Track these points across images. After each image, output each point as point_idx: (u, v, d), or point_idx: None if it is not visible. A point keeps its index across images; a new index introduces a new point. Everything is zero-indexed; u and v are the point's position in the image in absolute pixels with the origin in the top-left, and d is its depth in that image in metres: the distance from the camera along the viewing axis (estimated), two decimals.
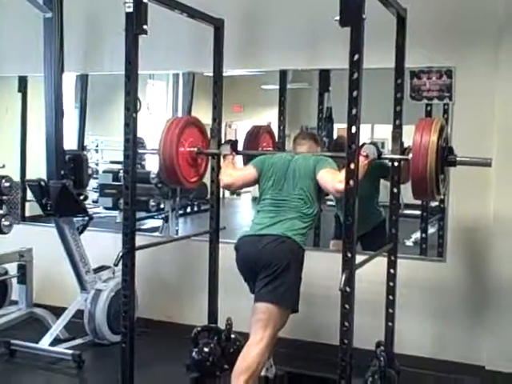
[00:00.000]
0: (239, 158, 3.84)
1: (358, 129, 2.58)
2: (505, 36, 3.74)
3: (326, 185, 3.22)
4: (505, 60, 3.74)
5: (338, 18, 2.55)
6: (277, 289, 3.06)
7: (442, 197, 3.39)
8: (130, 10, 2.98)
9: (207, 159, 3.85)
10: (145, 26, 2.98)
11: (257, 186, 3.50)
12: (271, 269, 3.08)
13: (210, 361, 3.73)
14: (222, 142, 3.79)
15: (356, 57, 2.55)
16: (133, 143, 3.05)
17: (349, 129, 2.60)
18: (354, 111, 2.58)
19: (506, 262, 3.79)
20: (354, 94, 2.57)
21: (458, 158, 3.15)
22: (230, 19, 3.86)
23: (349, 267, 2.60)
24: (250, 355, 3.03)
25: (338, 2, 2.49)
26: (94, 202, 6.11)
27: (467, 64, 3.88)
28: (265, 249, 3.12)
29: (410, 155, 3.09)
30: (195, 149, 3.69)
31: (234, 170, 3.56)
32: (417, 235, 5.04)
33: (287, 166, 3.38)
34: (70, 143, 4.39)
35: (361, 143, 2.72)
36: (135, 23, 2.97)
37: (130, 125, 3.03)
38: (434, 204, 4.40)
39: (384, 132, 5.88)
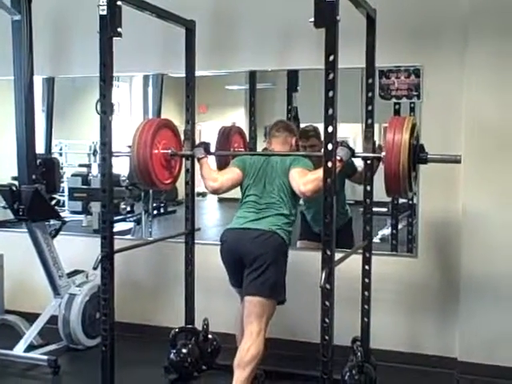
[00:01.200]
0: (211, 159, 3.87)
1: (334, 128, 2.63)
2: (470, 36, 3.82)
3: (292, 183, 3.40)
4: (471, 58, 3.82)
5: (312, 19, 2.60)
6: (266, 282, 3.25)
7: (413, 194, 3.47)
8: (104, 12, 2.97)
9: (181, 161, 3.87)
10: (119, 29, 2.98)
11: None
12: (259, 263, 3.24)
13: (188, 362, 3.77)
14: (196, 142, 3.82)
15: (331, 57, 2.60)
16: (109, 146, 3.04)
17: (325, 129, 2.65)
18: (330, 111, 2.63)
19: (475, 256, 3.88)
20: (330, 94, 2.62)
21: (429, 156, 3.23)
22: (199, 20, 3.89)
23: (328, 265, 2.65)
24: (253, 346, 3.22)
25: (308, 3, 2.53)
26: (59, 206, 6.03)
27: (435, 63, 3.96)
28: (252, 243, 3.28)
29: (383, 153, 3.16)
30: (169, 151, 3.71)
31: (219, 174, 3.61)
32: (383, 232, 5.13)
33: (266, 164, 3.51)
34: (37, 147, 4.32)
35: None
36: (109, 26, 2.96)
37: (107, 128, 3.03)
38: (401, 201, 4.48)
39: (345, 131, 5.97)
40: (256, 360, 3.23)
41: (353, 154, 3.28)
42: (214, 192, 3.63)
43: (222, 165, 3.87)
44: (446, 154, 3.36)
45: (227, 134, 4.18)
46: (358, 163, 3.88)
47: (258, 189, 3.48)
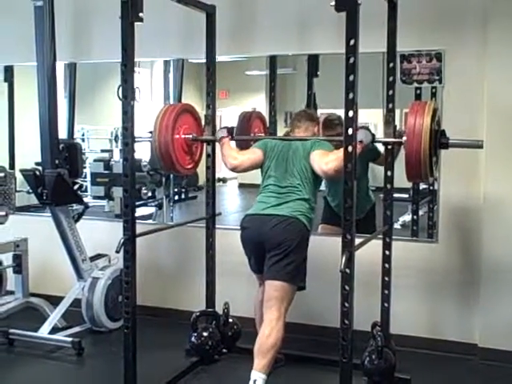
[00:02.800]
0: (232, 144, 3.88)
1: (355, 113, 2.64)
2: (492, 18, 3.77)
3: (314, 165, 3.40)
4: (493, 42, 3.78)
5: (333, 3, 2.60)
6: (287, 267, 3.25)
7: (434, 179, 3.45)
8: None
9: (202, 146, 3.88)
10: (141, 14, 2.98)
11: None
12: (281, 248, 3.25)
13: (209, 345, 3.81)
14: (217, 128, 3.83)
15: (352, 42, 2.60)
16: (131, 131, 3.06)
17: (346, 113, 2.65)
18: (350, 95, 2.63)
19: (496, 241, 3.85)
20: (351, 78, 2.62)
21: (450, 141, 3.21)
22: (219, 5, 3.88)
23: (348, 249, 2.66)
24: (273, 333, 3.21)
25: None
26: (81, 191, 6.10)
27: (456, 47, 3.91)
28: (275, 229, 3.28)
29: (404, 138, 3.15)
30: (190, 136, 3.72)
31: (239, 153, 3.64)
32: (404, 218, 5.12)
33: (288, 148, 3.52)
34: (60, 132, 4.37)
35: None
36: (131, 11, 2.96)
37: (128, 113, 3.04)
38: (422, 186, 4.47)
39: (366, 117, 5.93)
40: (276, 347, 3.23)
41: (373, 138, 3.27)
42: (233, 169, 3.66)
43: (243, 149, 3.88)
44: (468, 138, 3.34)
45: (247, 119, 4.18)
46: (381, 148, 3.86)
47: (279, 172, 3.48)
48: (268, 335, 3.22)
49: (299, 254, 3.31)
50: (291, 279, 3.29)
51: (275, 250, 3.27)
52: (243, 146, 3.95)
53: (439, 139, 3.17)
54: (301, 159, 3.45)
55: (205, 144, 3.87)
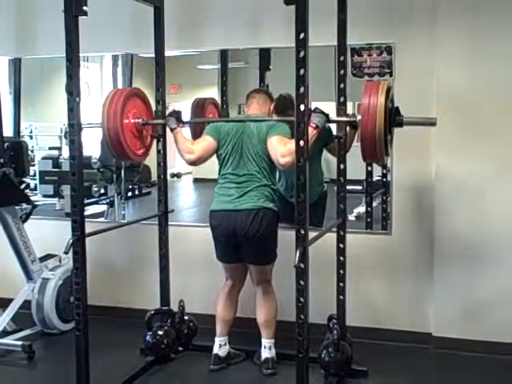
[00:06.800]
0: (187, 130, 3.81)
1: (306, 106, 2.63)
2: (441, 11, 3.80)
3: (270, 153, 3.42)
4: (442, 35, 3.81)
5: None
6: (265, 252, 3.56)
7: (388, 158, 3.44)
8: None
9: (153, 131, 3.77)
10: (85, 8, 2.90)
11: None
12: (256, 239, 3.44)
13: (164, 343, 3.77)
14: None
15: (302, 35, 2.59)
16: (78, 128, 2.97)
17: (297, 106, 2.64)
18: (301, 89, 2.62)
19: (448, 232, 3.90)
20: (301, 72, 2.61)
21: (404, 119, 3.22)
22: None
23: (302, 244, 2.65)
24: (272, 304, 3.64)
25: None
26: (30, 189, 5.94)
27: (406, 40, 3.93)
28: (245, 225, 3.41)
29: (359, 117, 3.14)
30: (140, 120, 3.62)
31: (194, 145, 3.56)
32: (358, 210, 5.14)
33: (242, 131, 3.49)
34: (4, 130, 4.22)
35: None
36: (74, 4, 2.88)
37: (74, 109, 2.95)
38: (375, 178, 4.49)
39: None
40: (276, 314, 3.64)
41: (328, 118, 3.25)
42: (192, 164, 3.61)
43: (198, 136, 3.80)
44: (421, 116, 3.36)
45: (201, 106, 4.12)
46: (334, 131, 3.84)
47: (236, 159, 3.47)
48: (269, 309, 3.61)
49: (272, 237, 3.53)
50: (271, 261, 3.60)
51: (250, 241, 3.43)
52: (198, 132, 3.87)
53: (394, 117, 3.17)
54: (256, 144, 3.44)
55: (155, 141, 3.79)
